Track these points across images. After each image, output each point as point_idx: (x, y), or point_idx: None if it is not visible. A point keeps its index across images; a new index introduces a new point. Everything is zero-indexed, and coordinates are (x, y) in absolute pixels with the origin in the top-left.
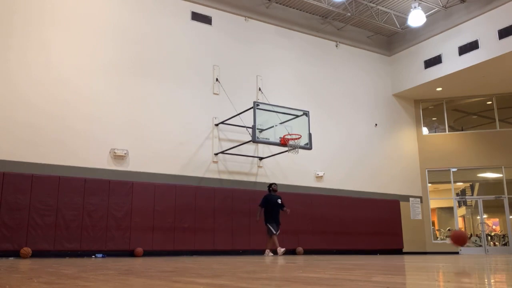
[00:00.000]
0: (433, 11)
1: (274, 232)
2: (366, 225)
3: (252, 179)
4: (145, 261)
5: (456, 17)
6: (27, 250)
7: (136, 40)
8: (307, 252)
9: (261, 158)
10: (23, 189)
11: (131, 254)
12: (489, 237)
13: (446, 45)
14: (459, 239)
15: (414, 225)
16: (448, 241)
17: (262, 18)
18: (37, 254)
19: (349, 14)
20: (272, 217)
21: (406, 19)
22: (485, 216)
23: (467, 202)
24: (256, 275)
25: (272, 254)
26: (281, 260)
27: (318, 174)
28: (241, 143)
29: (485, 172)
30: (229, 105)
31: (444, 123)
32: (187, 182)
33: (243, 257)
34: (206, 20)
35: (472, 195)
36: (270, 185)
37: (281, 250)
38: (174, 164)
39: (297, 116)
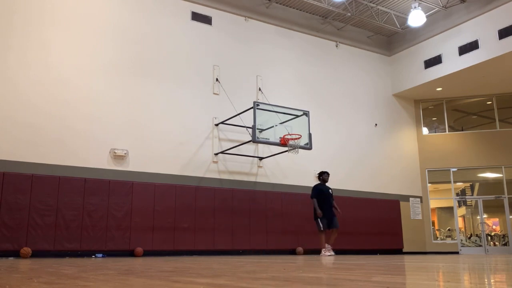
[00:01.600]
0: (433, 11)
1: (322, 228)
2: (366, 225)
3: (252, 179)
4: (145, 261)
5: (456, 17)
6: (27, 250)
7: (136, 40)
8: (307, 252)
9: (261, 158)
10: (23, 189)
11: (131, 254)
12: (489, 237)
13: (446, 45)
14: None
15: (414, 225)
16: None
17: (262, 18)
18: (37, 254)
19: (349, 14)
20: (323, 210)
21: (406, 19)
22: (485, 216)
23: (467, 202)
24: (256, 275)
25: (333, 253)
26: (313, 260)
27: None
28: (241, 143)
29: (485, 172)
30: (229, 105)
31: (444, 123)
32: (187, 182)
33: (243, 257)
34: (206, 20)
35: (472, 195)
36: (322, 173)
37: (326, 251)
38: (174, 164)
39: (297, 116)
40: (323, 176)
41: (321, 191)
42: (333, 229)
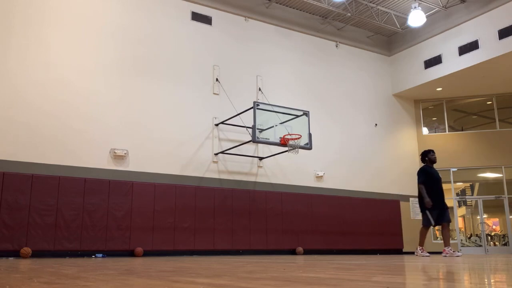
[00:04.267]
0: (433, 11)
1: (433, 223)
2: (366, 225)
3: (252, 179)
4: (145, 261)
5: (456, 17)
6: (27, 250)
7: (136, 40)
8: (307, 252)
9: (261, 158)
10: (23, 189)
11: (131, 254)
12: (489, 237)
13: (446, 45)
14: None
15: (414, 225)
16: None
17: (262, 18)
18: (37, 254)
19: (349, 14)
20: (432, 199)
21: (406, 19)
22: (485, 216)
23: (467, 202)
24: (256, 275)
25: (428, 254)
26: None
27: (318, 174)
28: (241, 143)
29: (485, 172)
30: (229, 105)
31: (444, 123)
32: (187, 182)
33: (243, 257)
34: (206, 20)
35: (472, 195)
36: (426, 153)
37: (423, 252)
38: (174, 164)
39: (297, 116)
40: (428, 156)
41: (430, 175)
42: (443, 224)
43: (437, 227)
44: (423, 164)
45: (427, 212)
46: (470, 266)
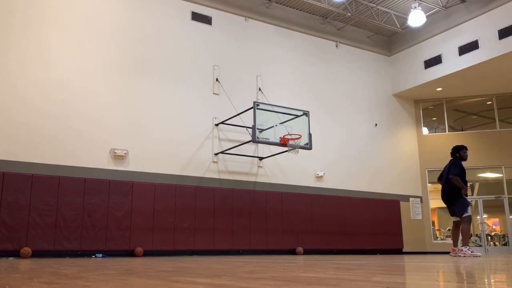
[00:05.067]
0: (433, 11)
1: (469, 212)
2: (366, 225)
3: (252, 179)
4: (145, 261)
5: (456, 17)
6: (27, 250)
7: (136, 40)
8: (307, 252)
9: (261, 158)
10: (23, 189)
11: (131, 254)
12: (489, 237)
13: (446, 45)
14: None
15: (414, 225)
16: None
17: (262, 18)
18: (37, 254)
19: (349, 14)
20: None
21: (406, 19)
22: (485, 216)
23: None
24: (256, 275)
25: (479, 254)
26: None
27: (318, 174)
28: (241, 143)
29: (485, 172)
30: (229, 105)
31: (444, 123)
32: (187, 182)
33: (243, 257)
34: (206, 20)
35: (472, 195)
36: (459, 148)
37: (473, 252)
38: (174, 164)
39: (297, 116)
40: (460, 152)
41: (464, 170)
42: (459, 221)
43: (438, 229)
44: (451, 159)
45: (466, 205)
46: (470, 266)
